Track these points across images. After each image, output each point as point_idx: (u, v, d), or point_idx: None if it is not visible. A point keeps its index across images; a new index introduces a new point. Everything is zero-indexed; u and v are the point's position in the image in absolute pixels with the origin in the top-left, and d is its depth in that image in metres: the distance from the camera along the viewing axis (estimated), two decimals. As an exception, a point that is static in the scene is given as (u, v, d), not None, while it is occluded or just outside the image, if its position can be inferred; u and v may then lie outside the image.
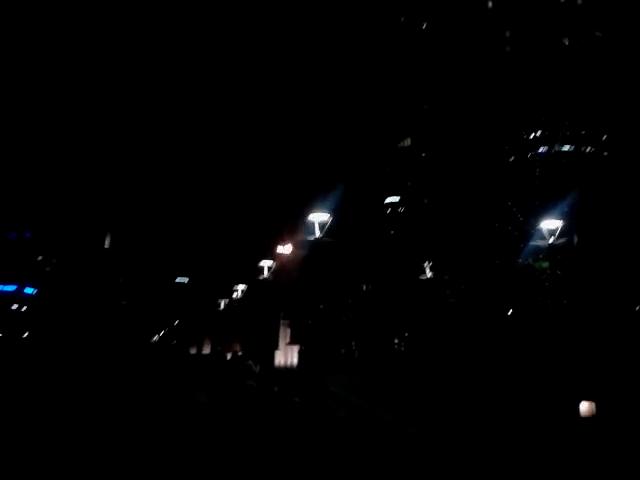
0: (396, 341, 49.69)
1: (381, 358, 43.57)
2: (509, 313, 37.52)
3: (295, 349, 35.71)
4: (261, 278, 34.59)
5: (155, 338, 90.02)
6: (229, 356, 41.93)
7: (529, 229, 34.90)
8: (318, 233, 24.83)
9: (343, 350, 51.70)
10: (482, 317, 36.21)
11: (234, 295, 46.06)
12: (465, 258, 39.13)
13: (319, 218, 24.41)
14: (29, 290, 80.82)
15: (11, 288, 78.61)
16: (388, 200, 50.46)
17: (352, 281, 46.94)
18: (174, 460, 10.82)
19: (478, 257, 38.73)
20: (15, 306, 77.03)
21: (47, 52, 60.99)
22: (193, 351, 63.36)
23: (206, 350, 60.96)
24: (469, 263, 38.98)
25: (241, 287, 44.74)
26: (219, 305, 56.21)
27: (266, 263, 34.37)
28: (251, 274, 36.98)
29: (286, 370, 38.22)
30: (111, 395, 22.12)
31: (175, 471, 10.11)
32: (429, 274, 39.75)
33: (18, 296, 78.29)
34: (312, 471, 9.69)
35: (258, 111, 57.59)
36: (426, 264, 40.34)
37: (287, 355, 42.69)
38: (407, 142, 50.72)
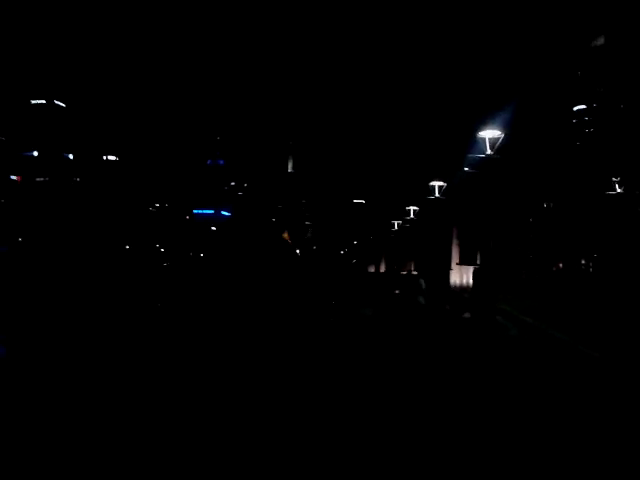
0: (583, 262, 46.55)
1: (564, 279, 41.23)
2: None
3: (470, 269, 35.34)
4: (432, 198, 34.32)
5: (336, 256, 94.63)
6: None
7: None
8: (489, 151, 23.70)
9: (524, 271, 49.86)
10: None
11: (407, 215, 46.67)
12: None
13: (490, 134, 23.19)
14: (225, 213, 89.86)
15: (210, 211, 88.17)
16: (576, 108, 46.62)
17: (531, 199, 44.30)
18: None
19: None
20: (213, 228, 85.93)
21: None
22: (371, 269, 65.88)
23: (382, 269, 63.04)
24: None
25: (413, 208, 45.09)
26: (393, 225, 57.23)
27: (437, 183, 33.89)
28: (423, 194, 36.84)
29: (461, 289, 38.23)
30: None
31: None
32: (618, 189, 35.92)
33: (216, 218, 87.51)
34: (477, 385, 9.65)
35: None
36: (615, 179, 36.43)
37: (462, 275, 42.52)
38: (600, 41, 45.20)
